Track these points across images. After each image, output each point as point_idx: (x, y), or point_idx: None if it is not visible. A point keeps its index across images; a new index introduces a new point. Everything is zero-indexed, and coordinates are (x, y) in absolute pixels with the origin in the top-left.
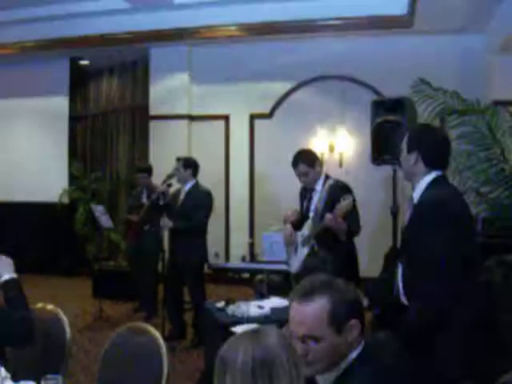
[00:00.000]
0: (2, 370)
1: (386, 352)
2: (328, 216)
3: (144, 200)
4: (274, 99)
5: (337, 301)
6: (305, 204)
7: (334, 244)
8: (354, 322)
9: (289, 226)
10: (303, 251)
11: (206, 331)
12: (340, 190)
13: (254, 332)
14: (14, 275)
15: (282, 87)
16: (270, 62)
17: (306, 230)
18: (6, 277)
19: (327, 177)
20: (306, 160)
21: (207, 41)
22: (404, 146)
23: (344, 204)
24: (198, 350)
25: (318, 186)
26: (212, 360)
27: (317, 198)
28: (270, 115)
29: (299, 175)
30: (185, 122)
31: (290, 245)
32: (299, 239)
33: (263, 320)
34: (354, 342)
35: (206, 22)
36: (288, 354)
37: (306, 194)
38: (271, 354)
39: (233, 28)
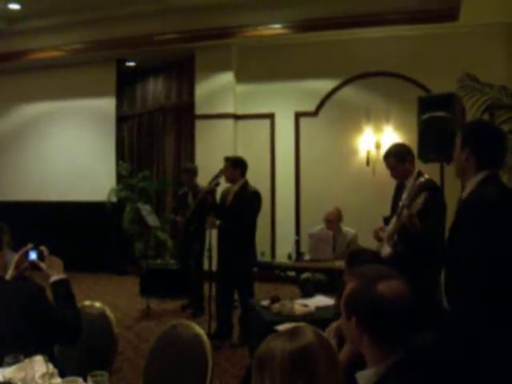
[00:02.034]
0: (50, 365)
1: (429, 362)
2: (404, 212)
3: (190, 200)
4: (319, 97)
5: (356, 291)
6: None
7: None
8: (353, 319)
9: (380, 222)
10: (386, 249)
11: (251, 329)
12: (425, 188)
13: (289, 330)
14: (64, 276)
15: (327, 85)
16: (314, 59)
17: (390, 226)
18: (56, 277)
19: (419, 174)
20: (395, 154)
21: (251, 39)
22: (458, 141)
23: (416, 202)
24: (244, 347)
25: (409, 183)
26: None
27: (404, 195)
28: (315, 113)
29: (388, 168)
30: (230, 121)
31: (378, 240)
32: (385, 236)
33: (308, 318)
34: (367, 341)
35: (250, 21)
36: (326, 351)
37: (400, 189)
38: (309, 351)
39: (277, 26)
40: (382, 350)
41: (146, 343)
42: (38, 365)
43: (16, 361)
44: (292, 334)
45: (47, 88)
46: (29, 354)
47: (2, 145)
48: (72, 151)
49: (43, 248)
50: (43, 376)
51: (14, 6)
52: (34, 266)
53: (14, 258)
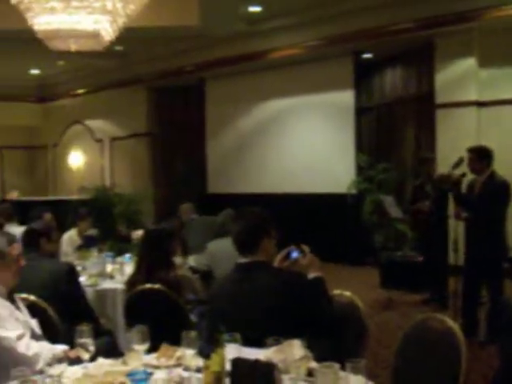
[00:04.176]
0: (306, 350)
1: None
2: None
3: (428, 190)
4: None
5: None
6: None
7: None
8: None
9: None
10: None
11: (501, 328)
12: None
13: None
14: (320, 274)
15: None
16: None
17: None
18: (314, 275)
19: None
20: None
21: (495, 21)
22: None
23: None
24: (491, 346)
25: None
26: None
27: None
28: None
29: None
30: (473, 109)
31: None
32: None
33: None
34: None
35: (493, 1)
36: None
37: None
38: None
39: None
40: None
41: (387, 334)
42: (296, 348)
43: (276, 343)
44: None
45: (286, 85)
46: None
47: (245, 140)
48: (311, 144)
49: (305, 247)
50: (301, 359)
51: (255, 9)
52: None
53: (278, 257)
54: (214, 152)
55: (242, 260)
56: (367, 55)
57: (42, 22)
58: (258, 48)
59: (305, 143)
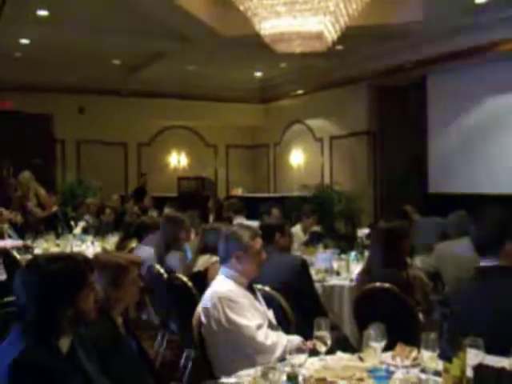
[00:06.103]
0: None
1: None
2: None
3: None
4: None
5: None
6: None
7: None
8: None
9: None
10: None
11: None
12: None
13: None
14: None
15: None
16: None
17: None
18: None
19: None
20: None
21: None
22: None
23: None
24: None
25: None
26: None
27: None
28: None
29: None
30: None
31: None
32: None
33: None
34: None
35: None
36: None
37: None
38: None
39: None
40: None
41: None
42: None
43: None
44: None
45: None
46: None
47: (471, 138)
48: None
49: None
50: None
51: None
52: None
53: None
54: (436, 150)
55: (483, 264)
56: None
57: (268, 26)
58: (483, 41)
59: None
